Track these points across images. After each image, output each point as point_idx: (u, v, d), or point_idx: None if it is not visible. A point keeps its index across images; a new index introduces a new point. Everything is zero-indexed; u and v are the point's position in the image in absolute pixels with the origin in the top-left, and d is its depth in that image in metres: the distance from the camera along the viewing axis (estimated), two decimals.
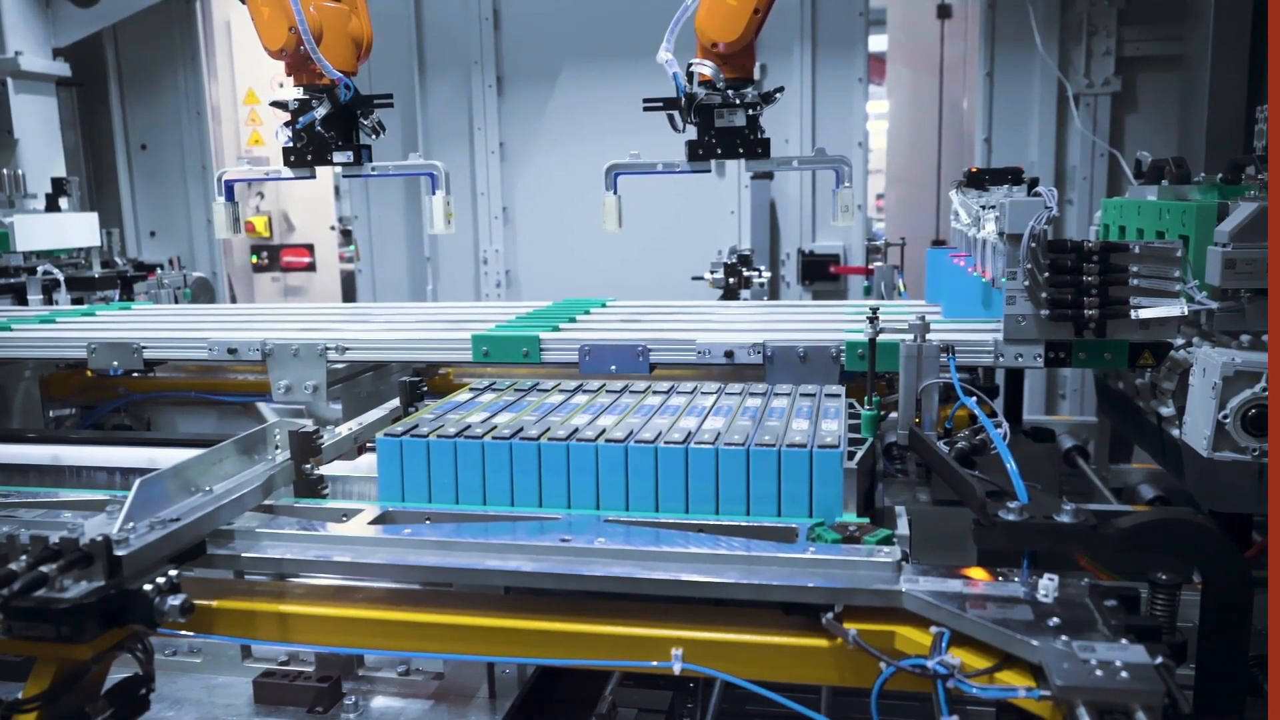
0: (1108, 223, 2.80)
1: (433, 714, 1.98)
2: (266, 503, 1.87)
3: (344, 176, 3.19)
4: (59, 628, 1.38)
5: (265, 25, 2.86)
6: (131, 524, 1.57)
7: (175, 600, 1.47)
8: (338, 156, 2.98)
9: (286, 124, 2.98)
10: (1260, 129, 2.17)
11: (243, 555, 1.67)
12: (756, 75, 2.89)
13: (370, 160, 3.04)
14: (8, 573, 1.38)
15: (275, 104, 3.03)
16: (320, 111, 2.91)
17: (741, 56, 2.87)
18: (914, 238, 5.33)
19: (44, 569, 1.40)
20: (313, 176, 3.08)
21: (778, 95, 2.93)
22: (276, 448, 2.02)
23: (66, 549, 1.43)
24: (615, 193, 3.08)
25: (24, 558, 1.42)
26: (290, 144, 2.99)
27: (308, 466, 1.97)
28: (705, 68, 2.84)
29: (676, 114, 2.90)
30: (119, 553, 1.46)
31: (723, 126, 2.92)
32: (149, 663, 1.58)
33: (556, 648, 1.57)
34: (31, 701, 1.46)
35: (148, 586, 1.46)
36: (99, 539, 1.45)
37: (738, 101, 2.89)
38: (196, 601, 1.55)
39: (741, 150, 2.94)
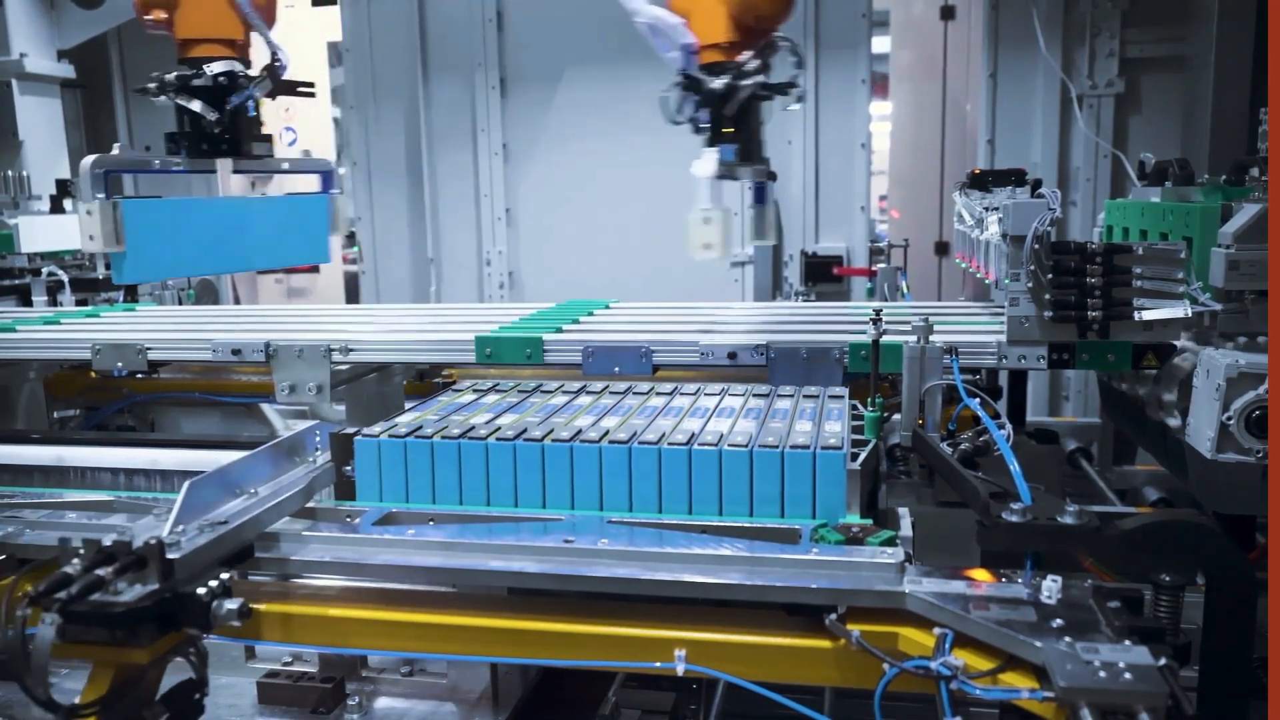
0: (1111, 224, 2.80)
1: (436, 715, 1.99)
2: (308, 505, 1.86)
3: (233, 171, 2.96)
4: (115, 631, 1.36)
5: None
6: (181, 527, 1.55)
7: (232, 604, 1.45)
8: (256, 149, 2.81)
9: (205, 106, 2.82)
10: (1264, 130, 2.17)
11: (291, 559, 1.65)
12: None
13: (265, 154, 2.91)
14: (64, 576, 1.36)
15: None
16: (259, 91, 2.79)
17: None
18: (917, 239, 5.32)
19: (99, 572, 1.37)
20: (213, 171, 2.92)
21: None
22: (318, 450, 2.03)
23: (120, 552, 1.41)
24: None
25: (77, 561, 1.39)
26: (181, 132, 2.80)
27: (349, 469, 1.95)
28: None
29: None
30: (171, 556, 1.44)
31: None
32: (203, 667, 1.56)
33: (560, 649, 1.57)
34: (90, 706, 1.44)
35: (201, 590, 1.44)
36: (153, 542, 1.43)
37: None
38: None
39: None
